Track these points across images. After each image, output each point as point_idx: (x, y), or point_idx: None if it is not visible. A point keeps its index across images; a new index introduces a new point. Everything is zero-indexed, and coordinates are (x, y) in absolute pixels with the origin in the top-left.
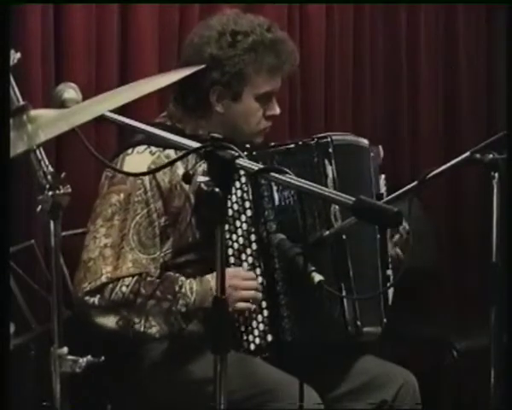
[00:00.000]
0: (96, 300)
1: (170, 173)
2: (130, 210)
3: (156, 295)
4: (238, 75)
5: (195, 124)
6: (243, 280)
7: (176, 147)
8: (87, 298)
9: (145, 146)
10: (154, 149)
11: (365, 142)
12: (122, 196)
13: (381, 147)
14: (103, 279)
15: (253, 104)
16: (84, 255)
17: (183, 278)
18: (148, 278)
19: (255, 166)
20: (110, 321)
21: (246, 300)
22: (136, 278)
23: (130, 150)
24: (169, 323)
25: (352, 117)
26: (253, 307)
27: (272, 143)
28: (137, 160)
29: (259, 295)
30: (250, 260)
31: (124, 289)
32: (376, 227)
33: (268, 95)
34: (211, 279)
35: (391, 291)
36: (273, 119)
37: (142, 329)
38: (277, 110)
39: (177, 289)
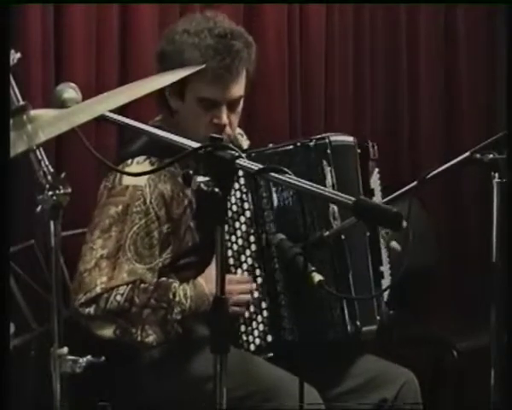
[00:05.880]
0: (91, 310)
1: (172, 181)
2: (127, 221)
3: (151, 304)
4: None
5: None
6: (237, 284)
7: (175, 152)
8: (82, 309)
9: (144, 156)
10: (153, 159)
11: (350, 139)
12: (120, 207)
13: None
14: (98, 290)
15: (194, 107)
16: (81, 266)
17: (176, 284)
18: (142, 285)
19: (255, 167)
20: (107, 331)
21: (240, 304)
22: (130, 286)
23: (129, 161)
24: (165, 331)
25: (352, 117)
26: (245, 310)
27: (270, 145)
28: (138, 171)
29: (251, 296)
30: (249, 261)
31: (118, 297)
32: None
33: (212, 102)
34: (203, 283)
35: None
36: (224, 128)
37: (139, 338)
38: (223, 120)
39: (171, 296)
